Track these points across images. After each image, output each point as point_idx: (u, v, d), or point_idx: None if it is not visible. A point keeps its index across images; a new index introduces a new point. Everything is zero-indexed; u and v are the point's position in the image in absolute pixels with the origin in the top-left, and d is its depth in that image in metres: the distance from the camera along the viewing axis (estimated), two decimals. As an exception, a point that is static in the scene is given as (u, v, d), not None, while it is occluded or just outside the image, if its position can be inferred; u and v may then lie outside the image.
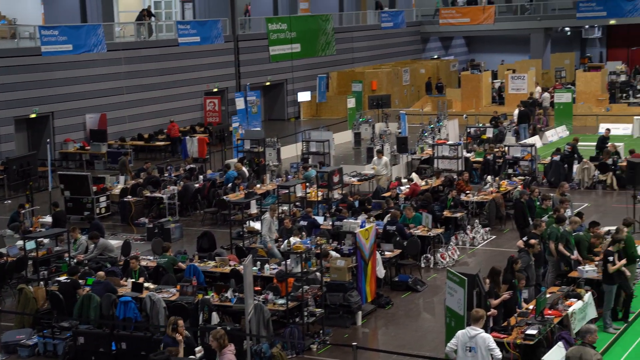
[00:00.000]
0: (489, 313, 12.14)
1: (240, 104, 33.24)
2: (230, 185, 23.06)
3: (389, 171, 24.73)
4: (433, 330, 14.43)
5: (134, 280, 15.04)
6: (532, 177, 24.37)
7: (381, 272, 16.14)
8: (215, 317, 13.55)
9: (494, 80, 44.04)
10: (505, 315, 12.86)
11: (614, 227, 15.75)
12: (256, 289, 14.07)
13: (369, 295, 15.39)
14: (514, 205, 19.65)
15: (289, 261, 14.26)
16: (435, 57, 53.52)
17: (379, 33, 48.81)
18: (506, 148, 26.38)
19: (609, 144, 25.86)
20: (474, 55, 56.77)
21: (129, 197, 22.85)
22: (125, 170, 25.72)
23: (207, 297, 14.08)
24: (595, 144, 27.07)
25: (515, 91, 38.69)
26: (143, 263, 16.13)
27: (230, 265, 15.90)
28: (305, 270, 13.98)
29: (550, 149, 27.77)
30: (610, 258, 13.63)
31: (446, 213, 19.82)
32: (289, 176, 23.90)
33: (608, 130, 27.51)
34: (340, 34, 45.15)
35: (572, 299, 13.41)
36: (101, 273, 14.86)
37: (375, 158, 25.03)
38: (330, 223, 18.41)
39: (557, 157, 25.22)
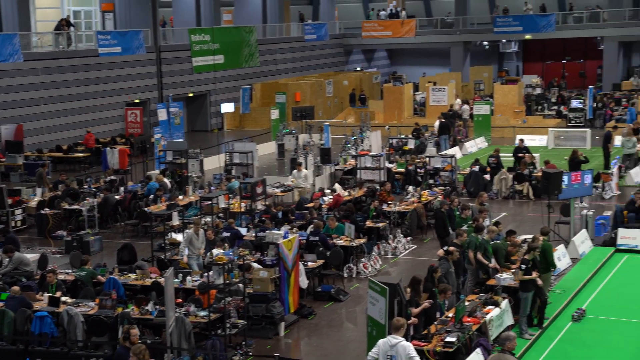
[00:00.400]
0: (409, 322, 12.27)
1: (162, 115, 32.85)
2: (151, 196, 22.74)
3: (308, 184, 24.75)
4: (355, 339, 14.50)
5: (50, 294, 14.65)
6: (452, 187, 24.79)
7: (304, 282, 16.14)
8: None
9: (416, 93, 44.74)
10: (426, 323, 13.02)
11: (530, 236, 16.15)
12: (178, 301, 13.89)
13: (291, 306, 15.37)
14: (434, 215, 19.94)
15: (211, 273, 14.13)
16: (358, 69, 54.07)
17: (303, 45, 49.05)
18: (427, 159, 26.80)
19: (526, 155, 26.55)
20: (396, 68, 57.60)
21: (47, 209, 22.29)
22: (42, 182, 25.10)
23: (127, 310, 13.82)
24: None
25: (436, 103, 39.39)
26: (61, 277, 15.73)
27: (151, 278, 15.66)
28: (227, 281, 13.88)
29: (469, 160, 28.33)
30: (524, 266, 13.95)
31: (369, 223, 19.98)
32: (212, 187, 23.72)
33: (522, 140, 28.20)
34: (263, 45, 45.16)
35: (489, 307, 13.67)
36: (16, 288, 14.42)
37: (295, 171, 25.01)
38: (254, 234, 18.33)
39: (476, 168, 25.73)
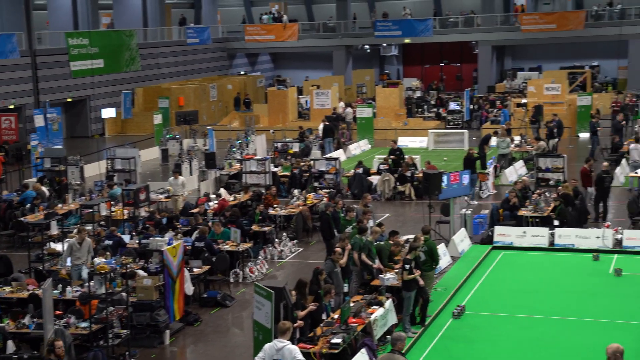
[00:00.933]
0: (295, 325, 12.32)
1: (39, 121, 31.73)
2: (28, 205, 21.92)
3: (185, 191, 24.37)
4: (242, 344, 14.44)
5: None
6: (337, 190, 25.09)
7: (189, 289, 15.95)
8: (10, 346, 12.78)
9: (300, 96, 45.00)
10: (312, 325, 13.11)
11: (412, 236, 16.53)
12: (57, 313, 13.44)
13: (177, 313, 15.15)
14: (319, 218, 20.11)
15: (92, 282, 13.74)
16: (242, 73, 53.92)
17: (185, 49, 48.50)
18: (312, 162, 27.00)
19: (407, 156, 27.17)
20: (280, 71, 57.79)
21: None
22: None
23: (1, 324, 13.26)
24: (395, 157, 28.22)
25: (320, 106, 39.73)
26: None
27: (28, 290, 15.08)
28: (109, 291, 13.53)
29: (353, 162, 28.74)
30: (407, 266, 14.26)
31: (254, 227, 19.96)
32: (93, 195, 23.09)
33: (394, 142, 28.81)
34: (145, 49, 44.39)
35: (374, 307, 13.90)
36: None
37: (171, 178, 24.54)
38: (137, 241, 17.97)
39: (360, 170, 26.12)
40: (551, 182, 24.27)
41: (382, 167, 26.57)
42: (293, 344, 11.12)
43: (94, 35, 37.32)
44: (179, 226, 19.57)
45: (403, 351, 10.88)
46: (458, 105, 40.22)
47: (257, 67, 56.85)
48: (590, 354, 13.15)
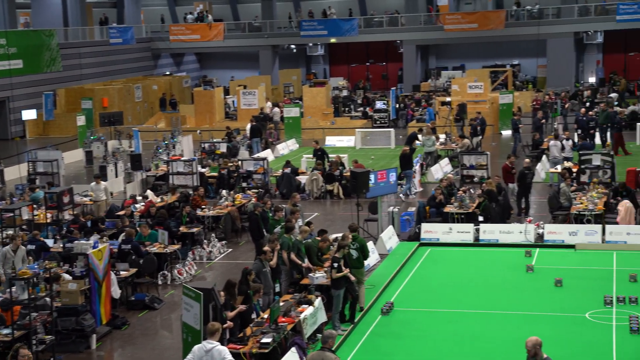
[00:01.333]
0: (225, 325, 12.27)
1: (-44, 123, 30.75)
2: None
3: (108, 196, 23.94)
4: (171, 347, 14.29)
5: None
6: (265, 190, 25.07)
7: (116, 292, 15.71)
8: None
9: (227, 96, 44.77)
10: (242, 326, 13.07)
11: (340, 234, 16.63)
12: (-22, 321, 13.06)
13: (103, 317, 14.91)
14: (248, 218, 20.06)
15: (14, 288, 13.40)
16: (168, 73, 53.33)
17: (108, 49, 47.68)
18: (240, 162, 26.90)
19: (335, 155, 27.33)
20: (206, 72, 57.37)
21: None
22: None
23: None
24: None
25: (247, 106, 39.62)
26: None
27: (-53, 298, 14.59)
28: (32, 296, 13.22)
29: (281, 162, 28.75)
30: (336, 264, 14.35)
31: (182, 229, 19.79)
32: (14, 198, 22.50)
33: (316, 142, 28.96)
34: (66, 49, 43.46)
35: (304, 305, 13.95)
36: None
37: (93, 183, 24.03)
38: (61, 245, 17.59)
39: (288, 170, 26.15)
40: (475, 179, 24.78)
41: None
42: (222, 344, 11.07)
43: (11, 35, 36.32)
44: (104, 229, 19.25)
45: (333, 348, 10.94)
46: (384, 104, 40.66)
47: (182, 68, 56.30)
48: (514, 345, 13.46)
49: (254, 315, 13.50)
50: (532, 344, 9.72)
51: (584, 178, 23.04)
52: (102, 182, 24.01)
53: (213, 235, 20.54)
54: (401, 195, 24.82)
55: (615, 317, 14.48)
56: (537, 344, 9.69)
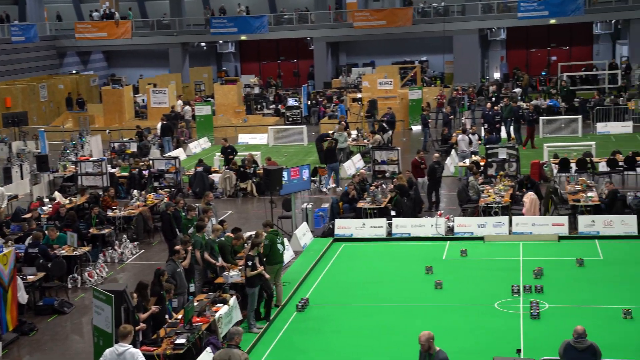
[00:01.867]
0: (137, 328, 12.03)
1: None
2: None
3: (4, 202, 23.12)
4: (82, 351, 13.95)
5: None
6: (178, 189, 24.74)
7: (23, 297, 15.22)
8: None
9: (136, 95, 43.99)
10: (155, 327, 12.85)
11: (254, 232, 16.54)
12: None
13: (10, 324, 14.41)
14: (160, 218, 19.76)
15: None
16: (74, 72, 52.00)
17: (10, 47, 46.15)
18: (151, 161, 26.47)
19: (247, 153, 27.20)
20: (114, 70, 56.21)
21: None
22: None
23: None
24: (244, 154, 28.09)
25: (157, 105, 39.02)
26: None
27: None
28: None
29: (194, 161, 28.43)
30: (250, 262, 14.27)
31: (92, 230, 19.33)
32: None
33: (225, 140, 28.82)
34: (-34, 47, 41.88)
35: (218, 305, 13.83)
36: None
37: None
38: (-36, 251, 16.90)
39: (200, 168, 25.88)
40: (387, 174, 25.07)
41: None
42: (135, 347, 10.86)
43: None
44: (9, 233, 18.63)
45: (248, 347, 10.89)
46: (296, 101, 40.72)
47: (90, 66, 55.01)
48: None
49: (167, 317, 13.28)
50: (426, 338, 9.83)
51: (491, 171, 23.61)
52: (0, 188, 23.10)
53: (125, 236, 20.15)
54: (325, 188, 25.05)
55: (522, 306, 14.89)
56: (430, 338, 9.83)
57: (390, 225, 20.32)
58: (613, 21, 48.87)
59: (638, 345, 12.87)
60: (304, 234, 19.96)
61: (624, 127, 32.83)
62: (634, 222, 18.82)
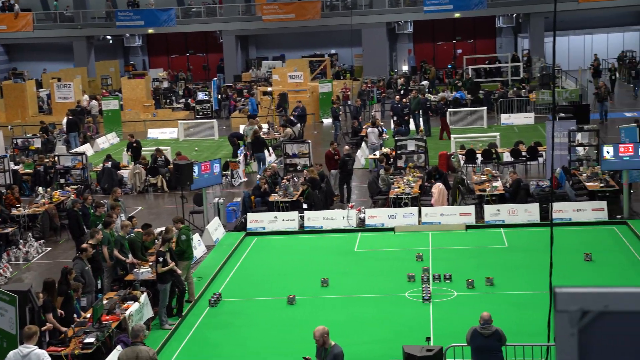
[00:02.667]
0: (44, 328, 11.71)
1: None
2: None
3: None
4: (-13, 355, 13.47)
5: None
6: (85, 185, 24.18)
7: None
8: None
9: (40, 90, 42.72)
10: (63, 326, 12.52)
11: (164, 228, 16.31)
12: None
13: None
14: (67, 215, 19.26)
15: None
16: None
17: None
18: (56, 158, 25.77)
19: (155, 148, 26.81)
20: (16, 64, 54.37)
21: None
22: None
23: None
24: (152, 149, 27.65)
25: (62, 100, 38.00)
26: None
27: None
28: None
29: (102, 156, 27.82)
30: (161, 258, 14.08)
31: (-5, 230, 18.71)
32: None
33: (132, 135, 28.41)
34: None
35: (129, 302, 13.59)
36: None
37: None
38: None
39: (109, 164, 25.35)
40: (299, 167, 25.13)
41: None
42: (42, 348, 10.56)
43: None
44: None
45: (160, 343, 10.74)
46: (206, 95, 40.35)
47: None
48: (341, 328, 13.81)
49: (76, 315, 12.97)
50: (320, 333, 9.87)
51: (400, 163, 23.96)
52: None
53: (30, 234, 19.56)
54: (259, 174, 25.07)
55: (432, 295, 15.18)
56: (325, 333, 9.86)
57: (302, 218, 20.38)
58: (514, 15, 50.28)
59: (541, 329, 13.31)
60: (215, 228, 19.82)
61: (526, 118, 33.87)
62: (537, 211, 19.45)
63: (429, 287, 15.41)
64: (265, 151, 27.33)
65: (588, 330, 2.43)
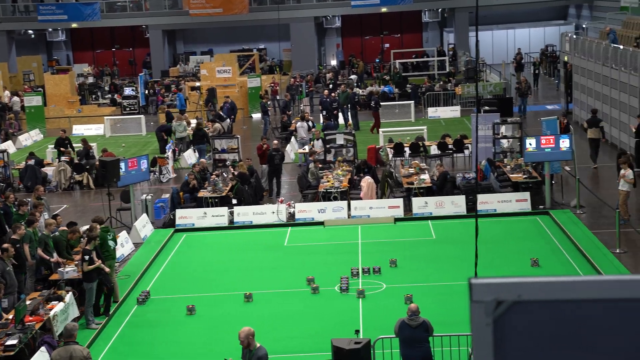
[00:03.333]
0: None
1: None
2: None
3: None
4: None
5: None
6: (7, 184, 23.52)
7: None
8: None
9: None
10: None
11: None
12: None
13: None
14: (-12, 215, 18.68)
15: None
16: None
17: None
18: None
19: (82, 139, 26.33)
20: None
21: None
22: None
23: None
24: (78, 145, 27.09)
25: (-18, 96, 36.88)
26: None
27: None
28: None
29: (25, 154, 27.12)
30: (87, 257, 13.80)
31: None
32: None
33: (63, 131, 27.84)
34: None
35: (53, 302, 13.28)
36: None
37: None
38: None
39: (32, 161, 24.73)
40: (227, 163, 24.94)
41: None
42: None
43: None
44: None
45: (86, 343, 10.53)
46: (133, 90, 39.73)
47: None
48: (272, 323, 13.79)
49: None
50: (245, 335, 9.78)
51: (329, 157, 24.04)
52: None
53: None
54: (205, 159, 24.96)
55: (361, 288, 15.29)
56: (250, 334, 9.78)
57: (232, 213, 20.26)
58: (440, 10, 50.98)
59: (467, 319, 13.53)
60: (144, 225, 19.53)
61: (452, 112, 34.39)
62: (463, 203, 19.77)
63: (359, 280, 15.51)
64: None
65: (503, 319, 2.46)
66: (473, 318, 2.49)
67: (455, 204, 19.84)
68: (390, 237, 18.58)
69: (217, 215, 20.15)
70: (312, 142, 26.32)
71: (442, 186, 20.55)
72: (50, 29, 51.08)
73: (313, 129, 27.43)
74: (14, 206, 17.98)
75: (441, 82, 38.64)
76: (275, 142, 24.39)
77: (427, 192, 20.52)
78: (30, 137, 32.69)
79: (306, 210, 20.23)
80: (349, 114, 32.35)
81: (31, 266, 14.92)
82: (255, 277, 16.43)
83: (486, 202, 19.59)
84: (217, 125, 30.04)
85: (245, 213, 20.28)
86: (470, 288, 2.47)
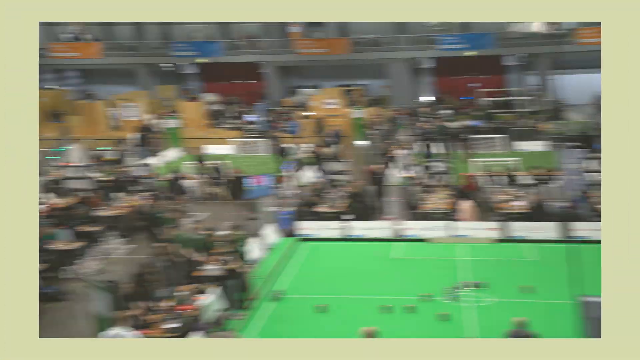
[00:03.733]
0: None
1: None
2: None
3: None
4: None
5: None
6: (156, 193, 24.19)
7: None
8: None
9: (110, 109, 43.17)
10: None
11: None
12: None
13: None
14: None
15: None
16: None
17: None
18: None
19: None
20: (87, 87, 54.89)
21: None
22: None
23: None
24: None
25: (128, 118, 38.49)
26: None
27: None
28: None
29: (167, 169, 27.82)
30: (228, 257, 14.10)
31: None
32: None
33: (201, 150, 28.59)
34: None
35: (200, 295, 13.61)
36: None
37: None
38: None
39: (176, 175, 25.50)
40: (341, 183, 25.05)
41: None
42: None
43: None
44: None
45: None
46: (254, 117, 40.68)
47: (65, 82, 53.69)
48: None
49: None
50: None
51: (432, 181, 23.85)
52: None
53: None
54: None
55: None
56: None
57: (346, 227, 20.35)
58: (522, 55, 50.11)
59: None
60: (271, 233, 19.85)
61: (536, 146, 33.64)
62: (557, 228, 19.22)
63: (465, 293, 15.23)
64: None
65: None
66: None
67: (549, 229, 19.42)
68: (489, 256, 18.32)
69: (333, 228, 20.32)
70: (412, 168, 26.27)
71: (537, 213, 20.16)
72: (183, 64, 52.67)
73: (412, 156, 27.37)
74: (165, 212, 18.59)
75: (526, 119, 37.93)
76: (381, 166, 24.42)
77: (523, 217, 20.16)
78: (170, 154, 33.77)
79: (412, 227, 20.18)
80: (444, 144, 32.17)
81: (182, 263, 15.36)
82: (369, 284, 16.43)
83: (578, 229, 19.11)
84: (327, 149, 30.35)
85: (357, 227, 20.37)
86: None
